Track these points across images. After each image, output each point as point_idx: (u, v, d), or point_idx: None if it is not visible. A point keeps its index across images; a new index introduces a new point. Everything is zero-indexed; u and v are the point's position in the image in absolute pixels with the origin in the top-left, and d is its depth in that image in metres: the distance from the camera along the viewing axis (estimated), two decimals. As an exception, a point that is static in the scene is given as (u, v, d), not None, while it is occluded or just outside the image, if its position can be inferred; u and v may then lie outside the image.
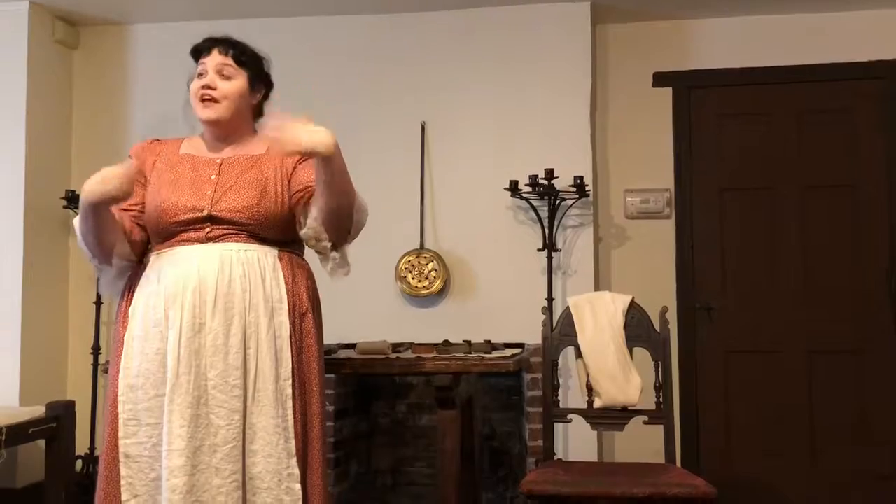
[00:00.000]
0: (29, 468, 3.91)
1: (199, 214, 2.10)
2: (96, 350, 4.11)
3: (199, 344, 2.03)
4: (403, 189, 4.12)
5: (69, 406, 3.70)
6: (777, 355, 4.10)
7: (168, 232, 2.13)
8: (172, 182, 2.16)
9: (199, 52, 2.24)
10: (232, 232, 2.11)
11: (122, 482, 2.01)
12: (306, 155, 2.01)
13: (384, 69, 4.20)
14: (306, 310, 2.17)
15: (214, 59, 2.20)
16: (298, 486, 2.05)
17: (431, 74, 4.17)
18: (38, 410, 3.60)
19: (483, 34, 4.16)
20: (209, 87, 2.17)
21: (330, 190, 2.07)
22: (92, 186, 1.99)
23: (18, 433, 3.40)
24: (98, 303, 4.15)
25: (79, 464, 3.94)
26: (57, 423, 3.60)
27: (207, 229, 2.10)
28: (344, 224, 2.14)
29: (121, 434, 2.03)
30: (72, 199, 4.11)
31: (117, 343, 2.12)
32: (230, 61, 2.21)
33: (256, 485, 2.02)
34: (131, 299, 2.14)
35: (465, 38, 4.17)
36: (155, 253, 2.16)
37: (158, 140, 2.28)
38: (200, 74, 2.20)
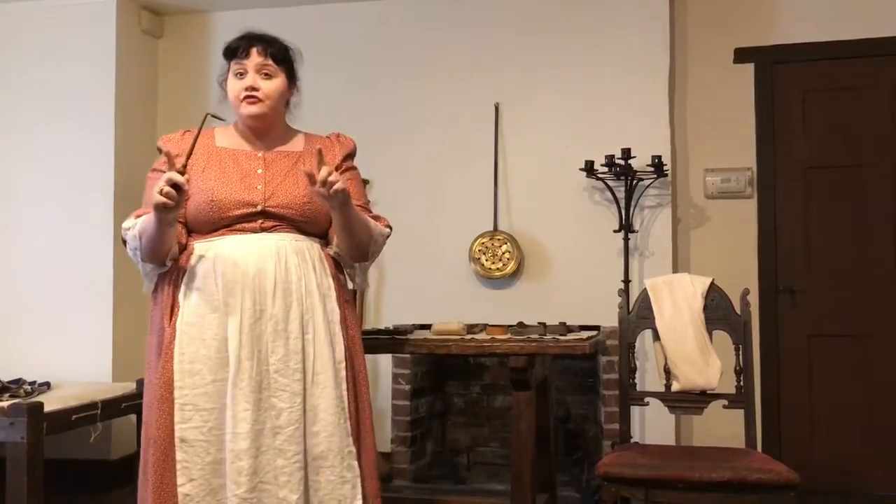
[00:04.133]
0: (122, 441, 4.09)
1: (253, 209, 2.16)
2: (182, 329, 4.26)
3: (260, 330, 2.10)
4: (477, 170, 4.13)
5: (158, 382, 3.85)
6: (864, 339, 3.96)
7: (219, 224, 2.16)
8: (219, 176, 2.18)
9: (233, 51, 2.23)
10: (282, 224, 2.19)
11: (178, 466, 2.03)
12: (331, 200, 2.08)
13: (456, 51, 4.20)
14: (348, 298, 2.28)
15: (254, 60, 2.21)
16: (356, 462, 2.14)
17: (505, 55, 4.15)
18: (130, 386, 3.77)
19: (557, 12, 4.11)
20: (253, 88, 2.20)
21: (347, 232, 2.20)
22: (165, 200, 1.94)
23: (112, 408, 3.57)
24: (183, 283, 4.31)
25: (167, 438, 4.11)
26: (147, 398, 3.76)
27: (260, 221, 2.17)
28: (360, 256, 2.28)
29: (177, 419, 2.04)
30: (158, 184, 4.27)
31: (161, 330, 2.12)
32: (269, 61, 2.23)
33: (320, 464, 2.10)
34: (176, 288, 2.14)
35: (538, 17, 4.13)
36: (200, 241, 2.17)
37: (189, 131, 2.27)
38: (239, 74, 2.21)
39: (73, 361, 4.06)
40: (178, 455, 2.03)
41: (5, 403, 3.15)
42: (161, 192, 1.95)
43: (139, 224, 2.10)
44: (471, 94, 4.16)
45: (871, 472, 3.90)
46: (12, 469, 3.04)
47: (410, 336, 2.86)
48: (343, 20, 4.28)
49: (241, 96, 2.20)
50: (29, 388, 3.56)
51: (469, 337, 2.81)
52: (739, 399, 2.93)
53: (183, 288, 2.12)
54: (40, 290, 4.18)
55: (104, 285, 4.14)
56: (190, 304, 2.11)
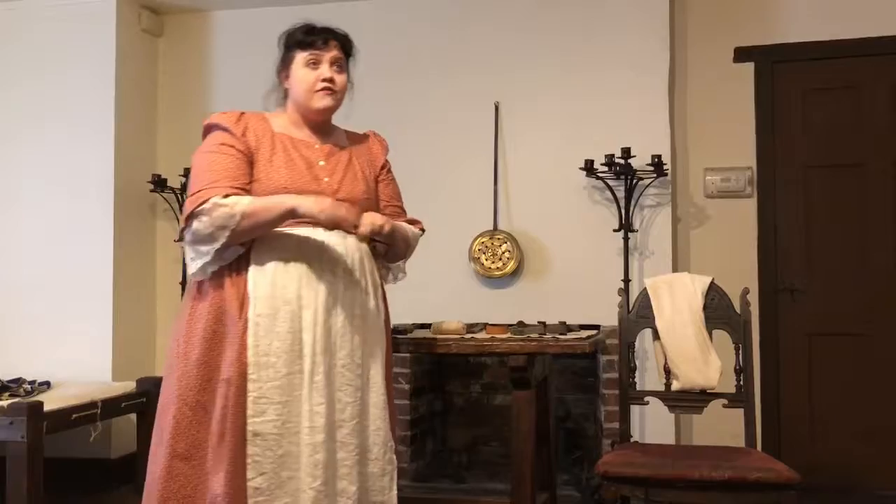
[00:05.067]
0: (122, 440, 4.10)
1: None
2: (182, 328, 4.26)
3: (330, 324, 2.11)
4: (477, 170, 4.13)
5: (158, 382, 3.81)
6: (864, 338, 3.96)
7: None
8: (287, 164, 2.15)
9: (309, 42, 2.22)
10: None
11: (249, 461, 2.01)
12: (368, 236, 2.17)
13: (456, 50, 4.20)
14: (385, 293, 2.34)
15: (332, 52, 2.23)
16: (395, 455, 2.23)
17: (504, 53, 4.14)
18: (130, 386, 3.77)
19: (557, 11, 4.11)
20: (332, 80, 2.21)
21: (390, 249, 2.32)
22: (338, 212, 2.04)
23: (112, 407, 3.57)
24: (184, 283, 4.31)
25: (167, 437, 4.11)
26: (147, 397, 3.77)
27: None
28: (398, 259, 2.41)
29: (250, 413, 2.01)
30: (158, 183, 4.26)
31: (213, 321, 2.07)
32: (342, 55, 2.27)
33: (367, 456, 2.16)
34: (244, 279, 2.09)
35: (538, 16, 4.13)
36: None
37: (245, 114, 2.24)
38: (313, 64, 2.21)
39: (73, 361, 4.06)
40: (250, 449, 2.01)
41: (5, 403, 3.15)
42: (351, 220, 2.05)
43: (249, 204, 2.03)
44: (471, 93, 4.16)
45: (871, 470, 3.91)
46: (12, 468, 3.04)
47: (410, 335, 2.86)
48: (342, 19, 4.20)
49: (318, 87, 2.20)
50: (29, 387, 3.56)
51: (469, 336, 2.81)
52: (739, 398, 2.93)
53: (253, 279, 2.08)
54: (40, 290, 4.18)
55: (104, 285, 4.14)
56: (262, 296, 2.07)
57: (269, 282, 2.09)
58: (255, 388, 2.03)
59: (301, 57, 2.22)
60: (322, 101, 2.21)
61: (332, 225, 2.06)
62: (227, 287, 2.09)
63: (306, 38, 2.23)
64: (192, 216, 2.04)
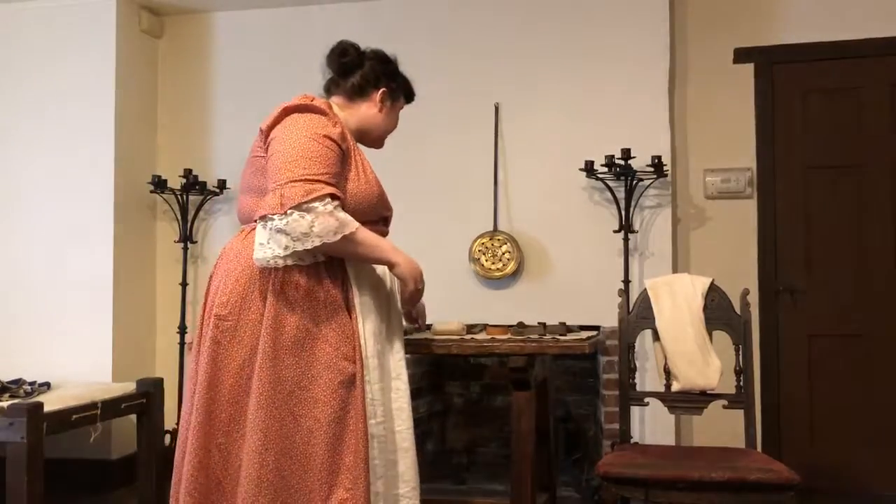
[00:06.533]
0: (122, 441, 4.10)
1: (390, 213, 2.27)
2: (182, 329, 4.27)
3: (400, 325, 2.24)
4: (477, 171, 4.13)
5: (158, 383, 3.86)
6: (864, 339, 3.96)
7: (368, 219, 2.11)
8: (372, 171, 2.18)
9: (412, 99, 2.38)
10: None
11: (371, 465, 2.00)
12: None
13: (456, 50, 4.20)
14: None
15: None
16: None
17: (505, 55, 4.14)
18: (130, 387, 3.77)
19: (557, 12, 4.11)
20: None
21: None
22: (420, 288, 2.19)
23: (112, 408, 3.57)
24: (184, 284, 4.31)
25: (167, 438, 4.11)
26: (147, 398, 3.77)
27: (386, 225, 2.26)
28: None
29: (368, 414, 2.01)
30: (158, 184, 4.26)
31: (326, 320, 2.00)
32: None
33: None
34: (347, 281, 2.07)
35: (538, 17, 4.13)
36: None
37: (329, 101, 2.22)
38: (397, 113, 2.35)
39: (73, 361, 4.06)
40: (372, 452, 2.02)
41: (5, 403, 3.15)
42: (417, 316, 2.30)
43: (356, 231, 1.98)
44: (471, 93, 4.16)
45: (871, 471, 3.91)
46: (12, 469, 3.04)
47: (410, 336, 2.85)
48: (342, 20, 4.27)
49: (388, 135, 2.34)
50: (29, 388, 3.56)
51: (469, 337, 2.81)
52: (739, 399, 2.93)
53: (354, 282, 2.07)
54: (41, 291, 4.18)
55: (104, 286, 4.14)
56: (365, 300, 2.09)
57: (367, 289, 2.10)
58: (371, 390, 2.04)
59: (401, 105, 2.36)
60: (382, 145, 2.36)
61: (407, 297, 2.17)
62: (321, 281, 2.00)
63: (413, 96, 2.39)
64: (299, 208, 1.90)
